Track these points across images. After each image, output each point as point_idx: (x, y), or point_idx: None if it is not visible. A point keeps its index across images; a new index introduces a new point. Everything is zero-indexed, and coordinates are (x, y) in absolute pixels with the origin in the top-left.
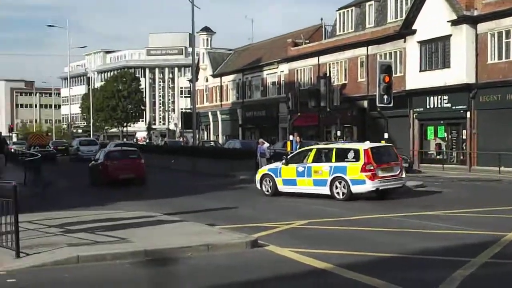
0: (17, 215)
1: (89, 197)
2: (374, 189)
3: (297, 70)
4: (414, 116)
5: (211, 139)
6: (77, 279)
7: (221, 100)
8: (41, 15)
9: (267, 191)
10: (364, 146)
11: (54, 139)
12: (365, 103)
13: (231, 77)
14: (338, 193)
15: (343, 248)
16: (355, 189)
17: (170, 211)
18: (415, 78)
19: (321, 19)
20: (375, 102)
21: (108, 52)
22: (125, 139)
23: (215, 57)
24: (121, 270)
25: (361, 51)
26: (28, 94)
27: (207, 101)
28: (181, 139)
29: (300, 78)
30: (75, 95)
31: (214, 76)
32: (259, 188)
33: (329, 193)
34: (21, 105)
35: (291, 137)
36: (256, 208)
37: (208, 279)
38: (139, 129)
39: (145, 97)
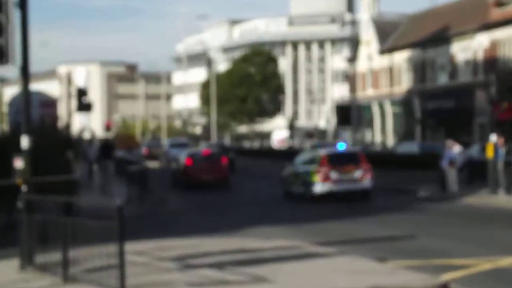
0: (123, 245)
1: (211, 218)
2: (326, 190)
3: (503, 41)
4: None
5: (377, 140)
6: None
7: (391, 86)
8: None
9: (283, 193)
10: (325, 151)
11: (165, 140)
12: None
13: (405, 53)
14: (307, 194)
15: None
16: (313, 190)
17: (319, 239)
18: None
19: None
20: None
21: (235, 22)
22: (257, 143)
23: (382, 27)
24: None
25: None
26: (130, 81)
27: (371, 88)
28: (338, 142)
29: (506, 52)
30: (192, 83)
31: (381, 52)
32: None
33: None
34: (121, 96)
35: (492, 138)
36: (440, 237)
37: None
38: (278, 128)
39: (285, 84)
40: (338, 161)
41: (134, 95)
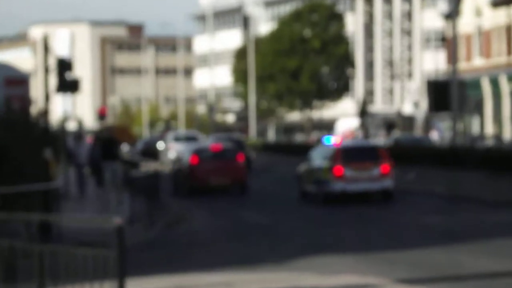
0: (124, 283)
1: (244, 243)
2: (339, 190)
3: None
4: None
5: (488, 131)
6: None
7: (508, 54)
8: None
9: (298, 193)
10: (341, 145)
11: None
12: None
13: None
14: (320, 193)
15: None
16: (326, 189)
17: (402, 275)
18: None
19: None
20: None
21: None
22: (315, 135)
23: None
24: None
25: None
26: (133, 49)
27: (479, 56)
28: (430, 135)
29: None
30: (222, 51)
31: (495, 4)
32: None
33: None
34: (121, 70)
35: None
36: None
37: None
38: (344, 115)
39: (355, 52)
40: (354, 156)
41: (140, 69)
